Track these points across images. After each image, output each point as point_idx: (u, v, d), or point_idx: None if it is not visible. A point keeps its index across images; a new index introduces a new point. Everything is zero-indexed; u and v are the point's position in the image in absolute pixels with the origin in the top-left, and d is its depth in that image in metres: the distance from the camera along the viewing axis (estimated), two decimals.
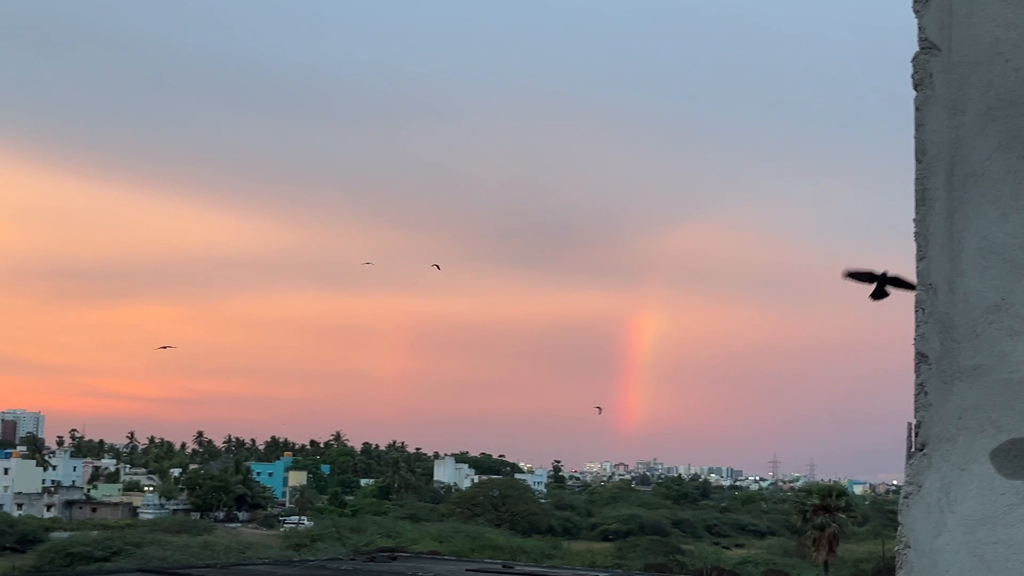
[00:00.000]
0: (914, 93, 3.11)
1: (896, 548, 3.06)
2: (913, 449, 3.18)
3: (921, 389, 3.01)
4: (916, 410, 3.03)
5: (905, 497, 3.03)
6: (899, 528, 3.04)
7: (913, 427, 3.09)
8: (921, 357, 3.00)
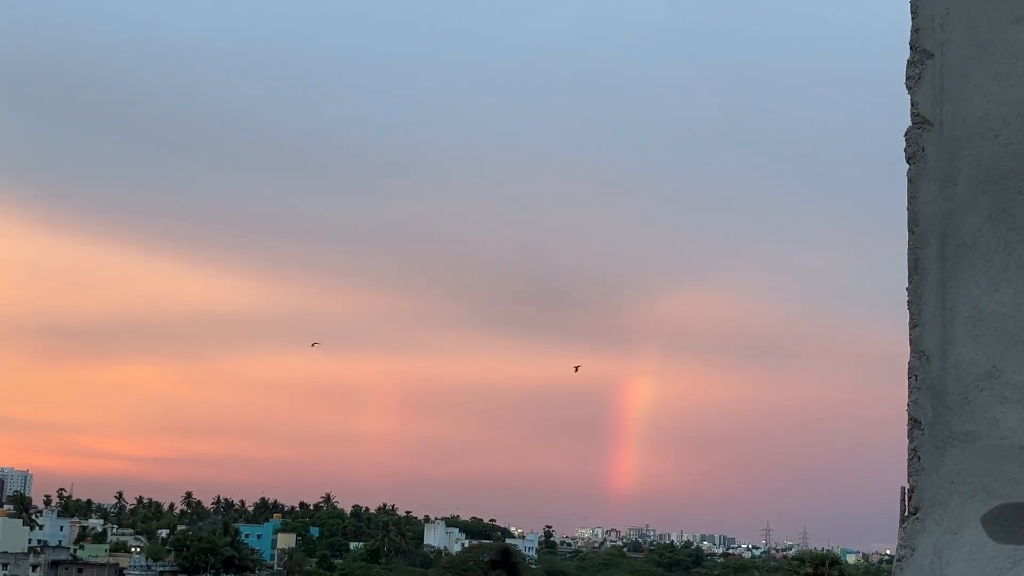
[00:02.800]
0: (907, 166, 3.21)
1: None
2: (906, 513, 3.23)
3: (914, 454, 3.07)
4: (909, 475, 3.08)
5: (899, 560, 3.08)
6: None
7: (906, 491, 3.14)
8: (914, 423, 3.06)
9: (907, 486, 3.11)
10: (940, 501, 2.97)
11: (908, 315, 3.11)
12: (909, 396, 3.09)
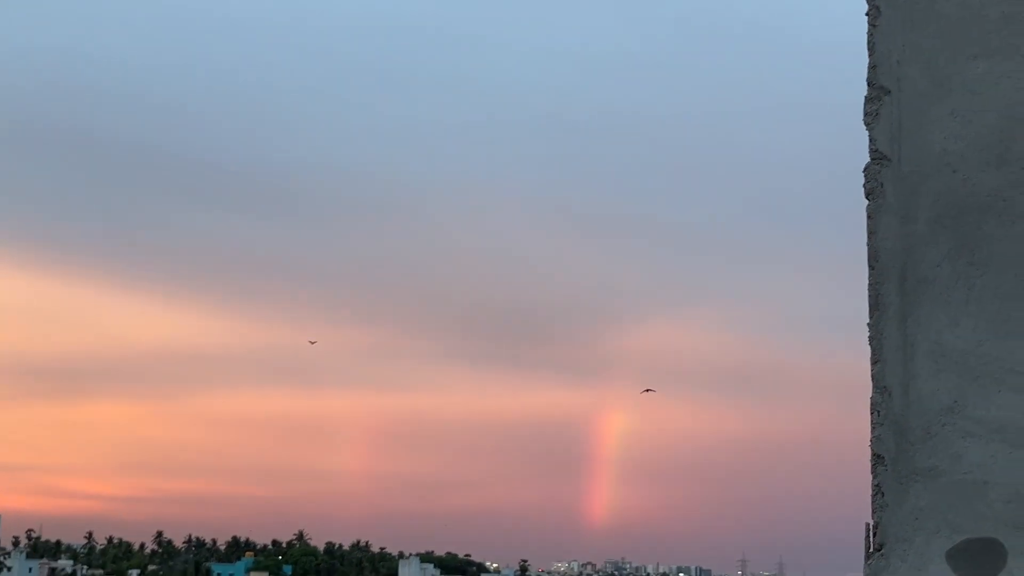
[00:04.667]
0: (866, 202, 3.22)
1: None
2: (871, 550, 3.22)
3: (878, 490, 3.06)
4: (873, 511, 3.08)
5: None
6: None
7: (870, 527, 3.14)
8: (877, 458, 3.06)
9: (871, 522, 3.11)
10: (904, 537, 2.96)
11: (869, 350, 3.12)
12: (872, 432, 3.09)
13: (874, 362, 3.09)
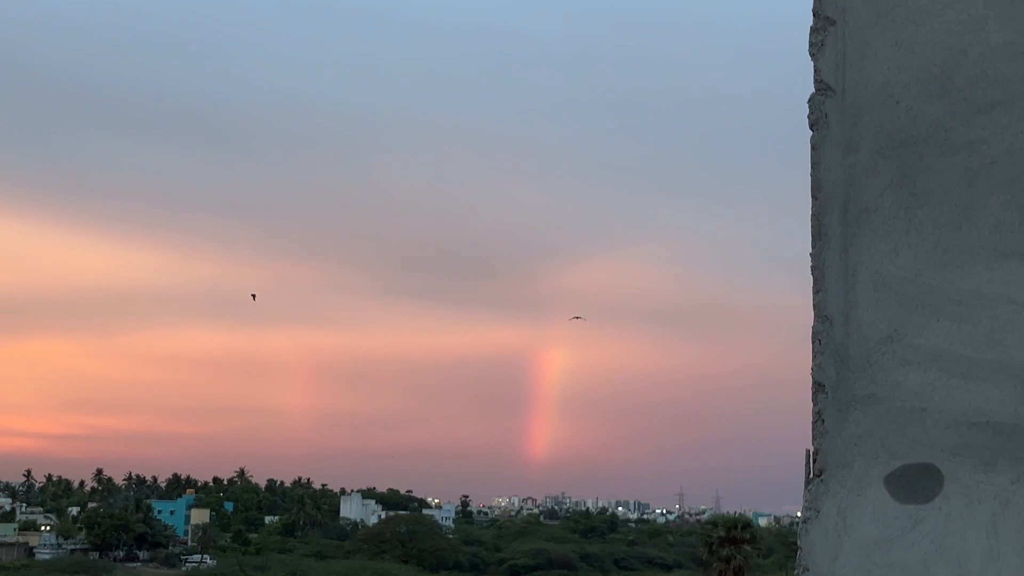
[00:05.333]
0: (811, 133, 3.24)
1: (795, 572, 3.15)
2: (811, 476, 3.28)
3: (818, 417, 3.11)
4: (814, 438, 3.13)
5: (804, 522, 3.12)
6: (798, 552, 3.13)
7: (811, 454, 3.19)
8: (818, 386, 3.10)
9: (811, 449, 3.16)
10: (844, 463, 3.02)
11: (812, 280, 3.15)
12: (813, 360, 3.13)
13: (816, 291, 3.12)
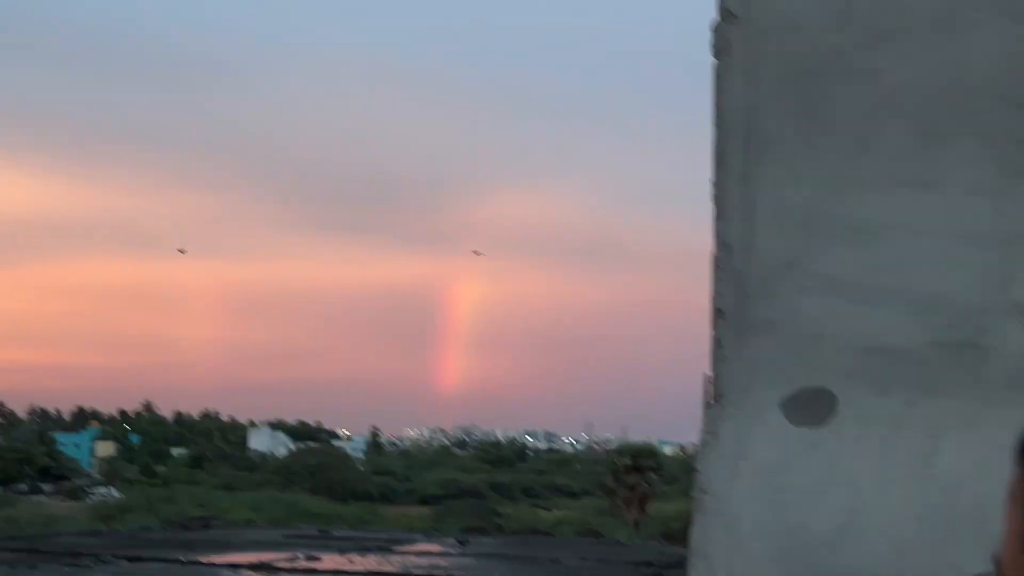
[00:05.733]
0: (714, 61, 3.24)
1: (694, 494, 3.21)
2: (710, 401, 3.33)
3: (717, 343, 3.15)
4: (712, 364, 3.17)
5: (702, 446, 3.17)
6: (697, 475, 3.19)
7: (710, 380, 3.24)
8: (718, 313, 3.14)
9: (710, 374, 3.21)
10: (742, 388, 3.07)
11: (714, 208, 3.17)
12: (713, 287, 3.17)
13: (717, 219, 3.14)
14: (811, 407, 3.01)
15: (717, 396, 3.11)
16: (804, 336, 2.99)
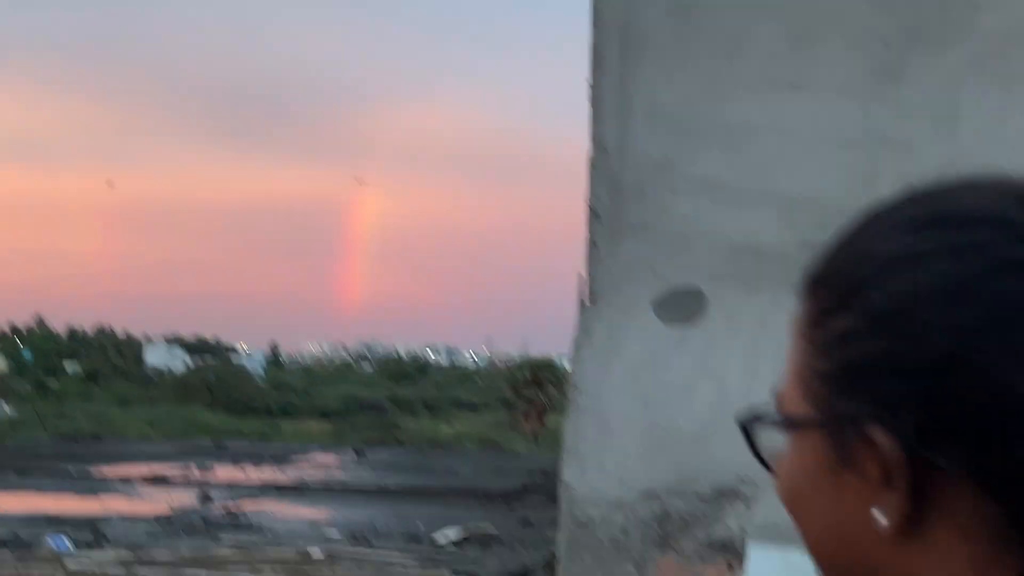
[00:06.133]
0: None
1: (567, 393, 3.25)
2: (584, 300, 3.36)
3: (592, 244, 3.17)
4: (587, 264, 3.19)
5: (576, 346, 3.21)
6: (570, 374, 3.23)
7: (584, 280, 3.27)
8: (592, 214, 3.16)
9: (585, 274, 3.23)
10: (615, 288, 3.10)
11: (591, 110, 3.17)
12: (589, 188, 3.18)
13: (593, 121, 3.14)
14: (681, 306, 3.05)
15: (591, 296, 3.14)
16: (676, 236, 3.03)
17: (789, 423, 0.65)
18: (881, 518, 0.60)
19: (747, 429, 0.68)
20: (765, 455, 0.69)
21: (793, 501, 0.66)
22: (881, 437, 0.59)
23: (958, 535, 0.60)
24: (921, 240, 0.61)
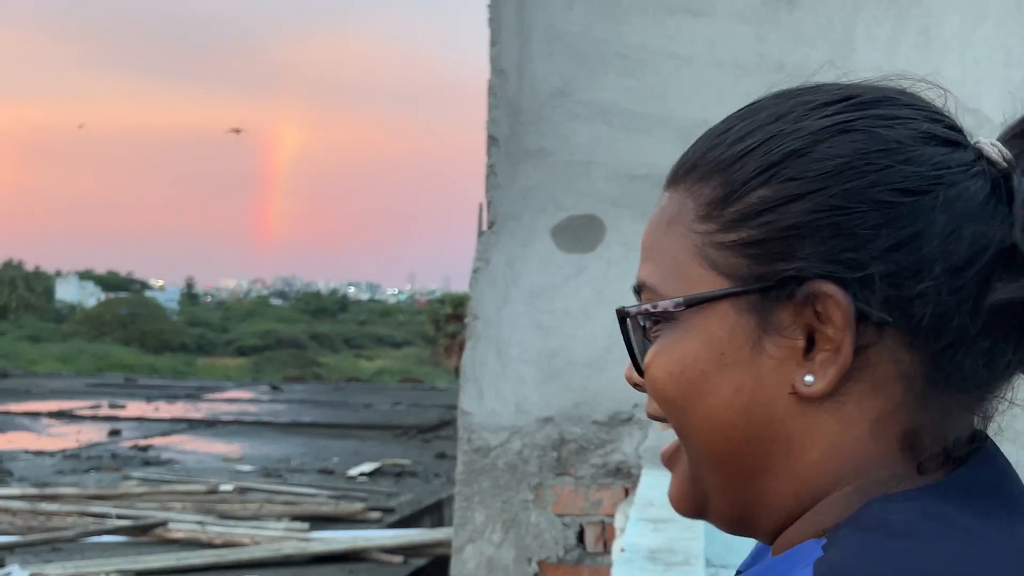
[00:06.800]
0: None
1: (466, 320, 3.25)
2: (483, 228, 3.35)
3: (491, 170, 3.16)
4: (487, 190, 3.18)
5: (475, 272, 3.20)
6: (469, 301, 3.23)
7: (484, 207, 3.25)
8: (492, 140, 3.13)
9: (484, 202, 3.22)
10: (514, 215, 3.09)
11: (490, 34, 3.13)
12: (488, 114, 3.15)
13: (492, 44, 3.11)
14: (580, 234, 3.06)
15: (490, 223, 3.12)
16: (574, 163, 3.02)
17: (691, 302, 0.64)
18: (811, 382, 0.60)
19: (628, 319, 0.66)
20: (637, 351, 0.67)
21: (683, 386, 0.64)
22: (834, 291, 0.59)
23: (871, 390, 0.60)
24: (848, 114, 0.62)
